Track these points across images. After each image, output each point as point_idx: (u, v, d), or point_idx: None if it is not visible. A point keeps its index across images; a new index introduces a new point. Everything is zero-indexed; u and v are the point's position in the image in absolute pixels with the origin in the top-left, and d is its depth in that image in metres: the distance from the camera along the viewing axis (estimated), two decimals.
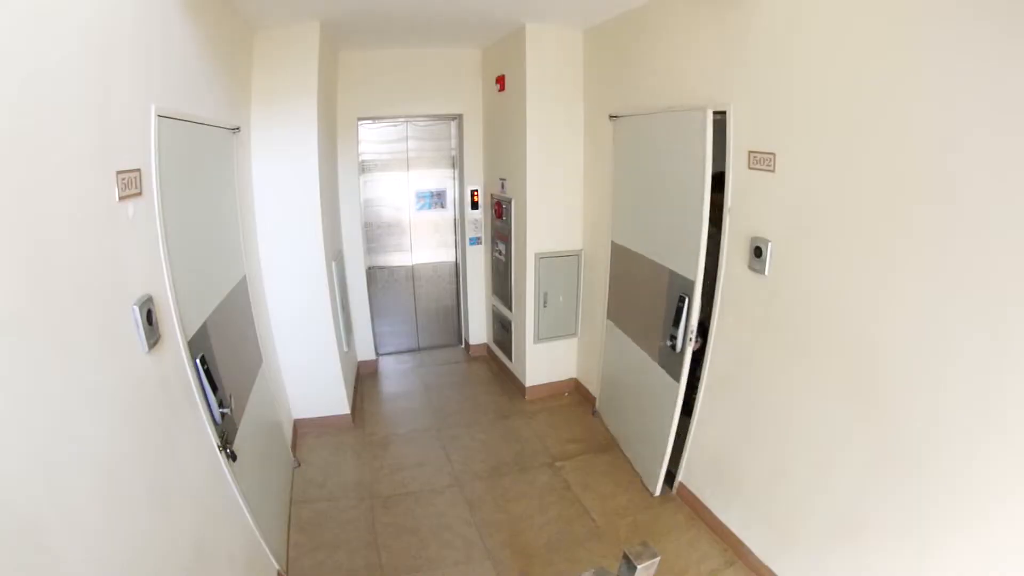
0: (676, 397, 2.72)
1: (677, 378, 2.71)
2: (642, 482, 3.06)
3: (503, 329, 4.45)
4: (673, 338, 2.68)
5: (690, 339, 2.63)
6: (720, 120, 2.40)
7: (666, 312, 2.81)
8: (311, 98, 3.14)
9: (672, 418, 2.75)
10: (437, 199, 4.80)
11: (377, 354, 4.75)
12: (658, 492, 2.92)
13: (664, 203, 2.83)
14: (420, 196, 4.75)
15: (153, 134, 1.58)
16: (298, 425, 3.57)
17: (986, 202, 1.45)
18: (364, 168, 4.50)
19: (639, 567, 0.98)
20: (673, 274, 2.75)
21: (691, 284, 2.58)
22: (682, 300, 2.63)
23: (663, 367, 2.87)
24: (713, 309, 2.57)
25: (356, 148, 4.29)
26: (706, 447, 2.72)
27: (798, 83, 2.01)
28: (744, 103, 2.28)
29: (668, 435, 2.79)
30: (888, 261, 1.74)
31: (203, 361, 1.82)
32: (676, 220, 2.71)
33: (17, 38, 0.99)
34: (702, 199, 2.46)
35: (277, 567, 2.32)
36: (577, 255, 3.92)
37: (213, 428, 1.83)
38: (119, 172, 1.36)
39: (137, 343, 1.40)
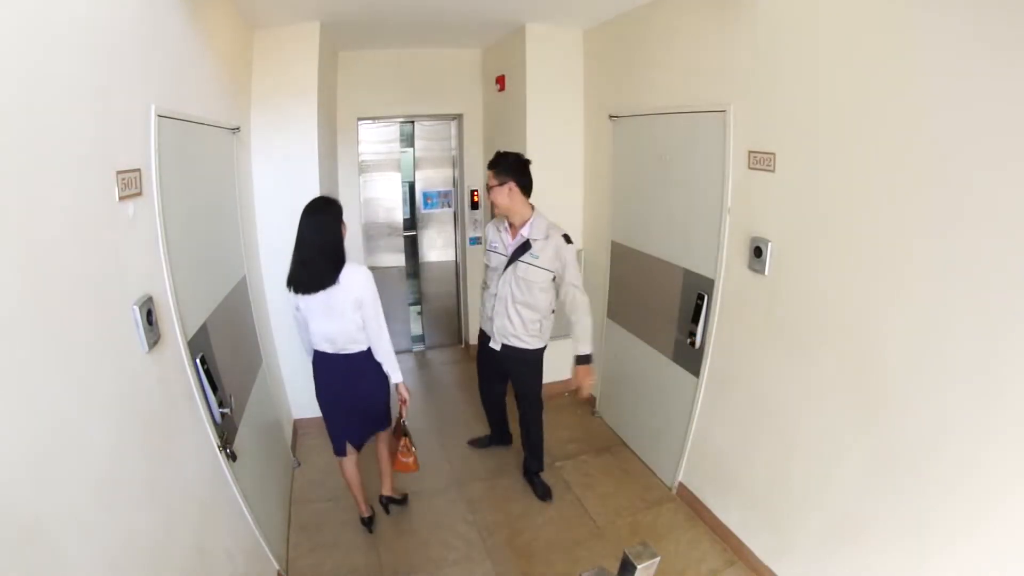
0: (696, 391, 2.73)
1: (696, 373, 2.73)
2: (656, 477, 3.10)
3: None
4: (692, 335, 2.69)
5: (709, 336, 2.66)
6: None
7: (681, 310, 2.81)
8: (311, 98, 3.14)
9: (692, 411, 2.76)
10: (444, 198, 4.82)
11: None
12: (675, 487, 2.93)
13: (674, 204, 2.84)
14: (424, 196, 4.76)
15: (153, 134, 1.58)
16: (298, 425, 3.57)
17: (988, 203, 1.45)
18: (363, 168, 4.50)
19: (639, 567, 0.98)
20: (688, 272, 2.75)
21: (710, 282, 2.59)
22: (700, 298, 2.64)
23: (679, 363, 2.88)
24: (713, 309, 2.57)
25: (356, 148, 4.29)
26: (706, 447, 2.72)
27: (798, 83, 2.01)
28: (744, 103, 2.28)
29: (688, 428, 2.81)
30: (889, 261, 1.74)
31: (203, 361, 1.82)
32: (689, 221, 2.73)
33: (16, 37, 0.99)
34: (720, 200, 2.47)
35: (277, 567, 2.32)
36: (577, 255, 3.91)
37: (213, 428, 1.83)
38: (119, 172, 1.36)
39: (137, 343, 1.40)
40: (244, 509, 2.03)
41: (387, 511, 2.80)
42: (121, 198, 1.37)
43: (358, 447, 2.58)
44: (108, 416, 1.22)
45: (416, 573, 2.46)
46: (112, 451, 1.22)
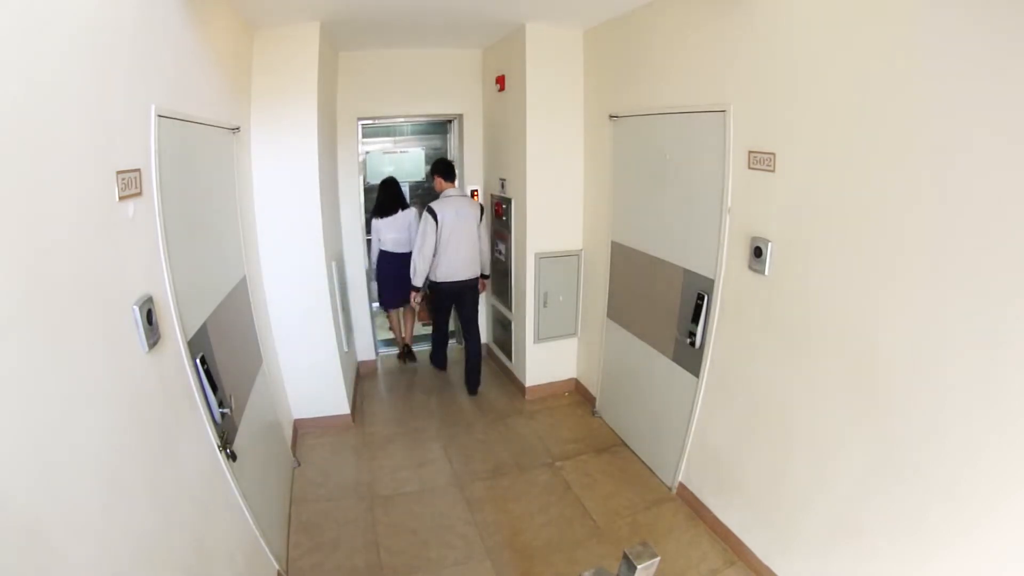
0: (696, 391, 2.73)
1: (696, 373, 2.73)
2: (656, 477, 3.09)
3: (503, 329, 4.44)
4: (692, 335, 2.69)
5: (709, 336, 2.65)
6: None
7: (681, 310, 2.81)
8: (311, 98, 3.14)
9: (692, 411, 2.76)
10: None
11: (377, 354, 4.75)
12: (675, 487, 2.93)
13: (674, 204, 2.84)
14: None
15: (153, 134, 1.58)
16: (298, 425, 3.57)
17: (986, 204, 1.45)
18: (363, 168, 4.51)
19: (639, 567, 0.98)
20: (688, 272, 2.75)
21: (710, 282, 2.58)
22: (700, 298, 2.63)
23: (679, 363, 2.88)
24: (713, 309, 2.57)
25: (356, 148, 4.29)
26: (706, 447, 2.72)
27: (798, 83, 2.01)
28: (744, 103, 2.28)
29: (688, 428, 2.80)
30: (889, 262, 1.74)
31: (203, 361, 1.82)
32: (689, 221, 2.73)
33: (17, 38, 0.99)
34: (720, 200, 2.46)
35: (277, 567, 2.32)
36: (577, 255, 3.92)
37: (213, 428, 1.83)
38: (119, 172, 1.36)
39: (137, 343, 1.40)
40: (244, 509, 2.03)
41: (409, 352, 4.73)
42: (121, 198, 1.37)
43: (396, 307, 4.55)
44: (108, 416, 1.22)
45: (416, 573, 2.46)
46: (112, 451, 1.22)
